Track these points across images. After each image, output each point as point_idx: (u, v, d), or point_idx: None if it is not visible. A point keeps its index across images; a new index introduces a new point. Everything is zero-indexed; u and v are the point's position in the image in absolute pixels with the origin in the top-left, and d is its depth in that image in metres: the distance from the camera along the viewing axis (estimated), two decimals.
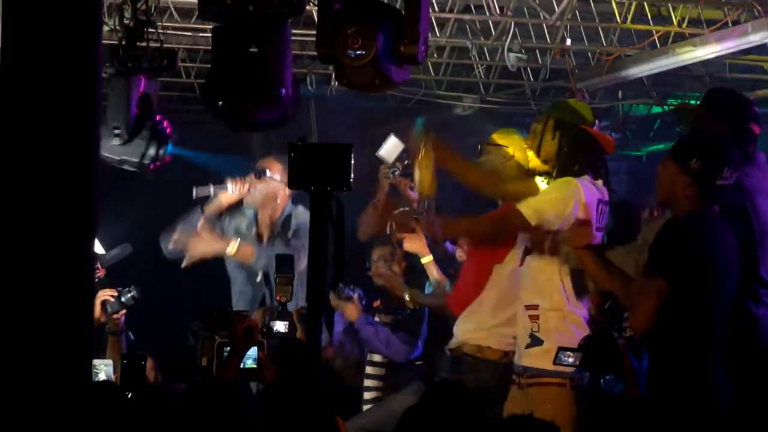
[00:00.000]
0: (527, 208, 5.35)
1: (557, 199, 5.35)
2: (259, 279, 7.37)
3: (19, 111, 2.42)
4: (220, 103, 4.84)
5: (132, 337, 6.94)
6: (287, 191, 7.32)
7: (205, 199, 7.33)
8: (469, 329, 5.84)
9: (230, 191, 7.28)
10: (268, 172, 7.26)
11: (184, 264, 7.25)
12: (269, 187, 7.29)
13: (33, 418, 2.37)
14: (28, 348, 2.36)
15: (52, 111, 2.41)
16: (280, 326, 5.96)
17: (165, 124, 6.34)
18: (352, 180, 2.48)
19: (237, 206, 7.44)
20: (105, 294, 6.59)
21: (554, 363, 4.66)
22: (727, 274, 4.68)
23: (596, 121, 5.60)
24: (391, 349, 6.96)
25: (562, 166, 5.42)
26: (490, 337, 5.77)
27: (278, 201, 7.34)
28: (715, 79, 8.20)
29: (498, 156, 6.05)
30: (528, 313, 5.39)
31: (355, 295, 6.91)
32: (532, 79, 8.33)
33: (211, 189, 7.29)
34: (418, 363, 7.06)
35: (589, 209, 5.32)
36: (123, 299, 6.82)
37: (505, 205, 5.69)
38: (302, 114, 8.31)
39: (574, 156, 5.42)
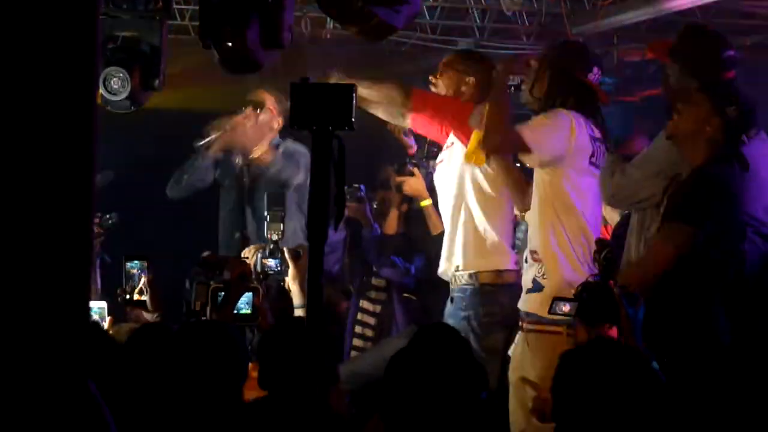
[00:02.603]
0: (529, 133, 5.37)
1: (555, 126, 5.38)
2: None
3: (15, 53, 2.41)
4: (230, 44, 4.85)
5: (108, 260, 6.97)
6: (278, 123, 7.38)
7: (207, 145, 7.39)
8: (476, 255, 5.87)
9: (228, 130, 7.32)
10: (265, 104, 7.32)
11: (213, 149, 7.31)
12: (266, 118, 7.35)
13: (26, 358, 2.38)
14: (24, 288, 2.36)
15: (49, 53, 2.40)
16: (272, 264, 5.98)
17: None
18: (354, 120, 2.48)
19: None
20: None
21: (549, 313, 4.69)
22: (738, 222, 4.73)
23: (595, 68, 5.58)
24: (383, 264, 7.00)
25: (548, 106, 5.46)
26: (506, 258, 5.80)
27: (272, 132, 7.40)
28: (711, 24, 8.17)
29: (455, 80, 6.05)
30: (532, 256, 5.42)
31: (362, 194, 6.95)
32: (527, 24, 8.30)
33: (213, 137, 7.33)
34: (405, 296, 7.09)
35: (581, 139, 5.36)
36: (103, 225, 6.87)
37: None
38: (297, 58, 8.30)
39: (563, 100, 5.44)
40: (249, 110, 7.38)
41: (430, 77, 6.19)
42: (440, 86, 6.09)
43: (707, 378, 4.29)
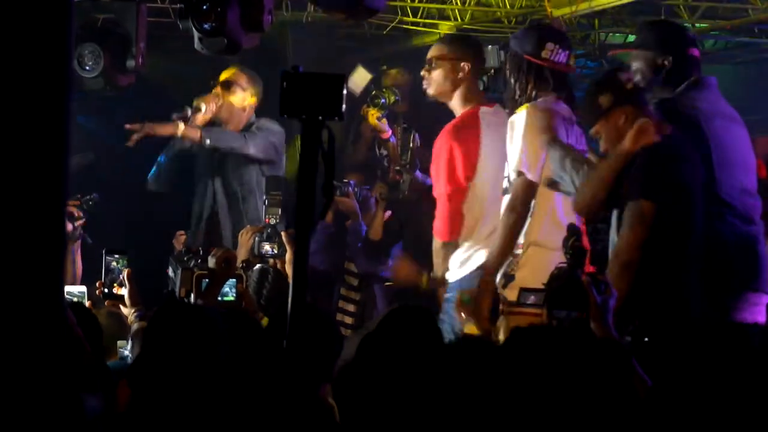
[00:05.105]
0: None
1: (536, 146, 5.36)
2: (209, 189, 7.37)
3: None
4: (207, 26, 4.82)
5: (90, 241, 6.94)
6: (253, 101, 7.31)
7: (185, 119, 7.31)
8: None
9: (204, 110, 7.25)
10: (235, 83, 7.25)
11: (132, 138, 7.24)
12: (236, 98, 7.28)
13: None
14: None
15: (22, 35, 2.36)
16: (269, 248, 5.96)
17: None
18: (344, 110, 2.46)
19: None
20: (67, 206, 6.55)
21: (517, 303, 4.67)
22: (698, 195, 4.78)
23: (548, 44, 5.50)
24: (360, 259, 7.00)
25: (516, 96, 5.46)
26: (481, 250, 5.80)
27: (244, 112, 7.32)
28: (690, 8, 8.19)
29: (449, 69, 6.01)
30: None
31: (350, 190, 6.93)
32: (508, 7, 8.28)
33: (188, 111, 7.26)
34: (388, 284, 7.08)
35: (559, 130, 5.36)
36: (85, 207, 6.84)
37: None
38: (278, 40, 8.28)
39: (523, 86, 5.43)
40: (217, 90, 7.32)
41: (421, 73, 6.14)
42: (434, 79, 6.05)
43: (681, 352, 4.32)
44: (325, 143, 2.40)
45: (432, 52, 6.11)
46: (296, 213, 2.41)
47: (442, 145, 5.98)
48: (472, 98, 6.01)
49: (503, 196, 5.54)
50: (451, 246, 5.93)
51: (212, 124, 7.35)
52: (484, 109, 5.99)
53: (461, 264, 5.91)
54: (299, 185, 2.40)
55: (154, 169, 7.47)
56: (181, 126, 7.16)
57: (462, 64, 6.01)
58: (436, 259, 6.01)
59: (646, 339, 3.82)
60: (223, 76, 7.32)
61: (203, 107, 7.24)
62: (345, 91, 2.40)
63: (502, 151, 5.62)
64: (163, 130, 7.24)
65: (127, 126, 7.18)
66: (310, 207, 2.39)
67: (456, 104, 6.07)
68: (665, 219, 4.73)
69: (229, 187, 7.34)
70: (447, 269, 5.91)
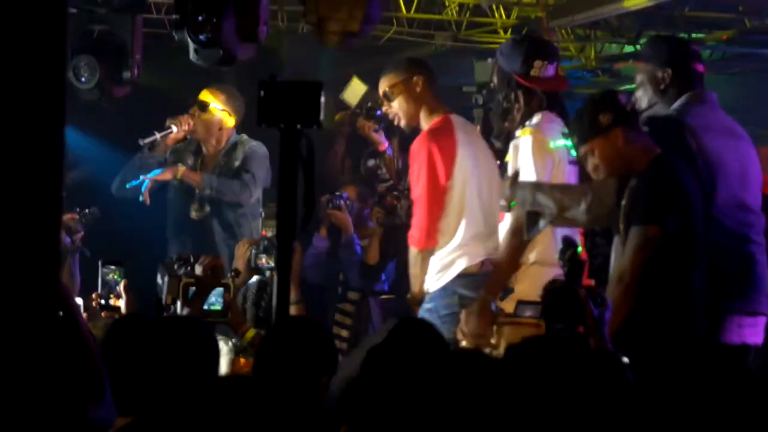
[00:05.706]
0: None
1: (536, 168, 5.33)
2: (207, 209, 7.33)
3: None
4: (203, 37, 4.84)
5: (89, 254, 6.94)
6: (231, 121, 7.30)
7: (151, 145, 7.30)
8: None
9: (175, 131, 7.25)
10: (211, 103, 7.25)
11: (158, 150, 7.29)
12: (213, 118, 7.27)
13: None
14: None
15: (17, 47, 2.36)
16: (265, 260, 5.94)
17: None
18: (322, 118, 2.44)
19: (181, 142, 7.42)
20: (65, 218, 6.57)
21: (514, 315, 4.65)
22: (699, 209, 4.76)
23: (535, 62, 5.44)
24: (354, 275, 7.00)
25: (511, 118, 5.42)
26: (464, 256, 5.75)
27: (222, 131, 7.31)
28: (688, 18, 8.19)
29: (407, 90, 5.97)
30: None
31: (342, 203, 6.92)
32: (504, 18, 8.29)
33: (157, 136, 7.26)
34: (384, 297, 7.08)
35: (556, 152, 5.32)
36: (84, 220, 6.84)
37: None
38: (275, 51, 8.29)
39: (512, 105, 5.39)
40: (193, 110, 7.31)
41: (384, 109, 6.11)
42: (399, 108, 5.99)
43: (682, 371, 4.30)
44: (303, 152, 2.39)
45: (382, 86, 5.97)
46: (277, 222, 2.40)
47: (420, 147, 5.87)
48: (438, 108, 5.94)
49: (503, 213, 5.49)
50: (427, 254, 5.83)
51: (186, 141, 7.37)
52: (453, 116, 5.95)
53: (442, 269, 5.77)
54: (279, 195, 2.38)
55: (120, 176, 7.45)
56: (182, 169, 7.18)
57: (414, 78, 5.93)
58: (413, 270, 5.88)
59: (626, 359, 3.80)
60: (200, 96, 7.30)
61: (174, 128, 7.24)
62: (323, 99, 2.38)
63: (476, 153, 5.70)
64: (163, 176, 7.23)
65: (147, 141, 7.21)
66: (291, 216, 2.39)
67: (425, 121, 6.00)
68: (671, 239, 4.70)
69: (225, 220, 7.31)
70: (424, 280, 5.83)
